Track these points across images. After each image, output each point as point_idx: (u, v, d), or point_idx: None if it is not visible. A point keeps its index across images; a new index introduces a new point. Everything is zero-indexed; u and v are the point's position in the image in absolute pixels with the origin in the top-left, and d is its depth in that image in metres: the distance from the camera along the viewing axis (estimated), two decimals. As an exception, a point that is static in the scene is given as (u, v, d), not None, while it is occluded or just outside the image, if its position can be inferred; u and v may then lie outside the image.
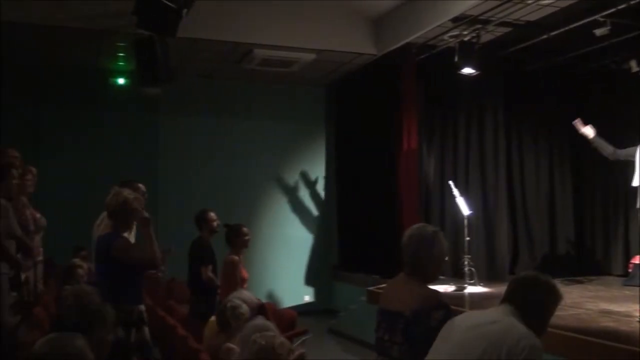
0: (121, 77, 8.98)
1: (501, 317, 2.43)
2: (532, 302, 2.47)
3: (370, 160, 9.20)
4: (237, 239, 5.92)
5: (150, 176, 8.63)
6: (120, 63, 8.67)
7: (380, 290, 6.54)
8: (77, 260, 6.42)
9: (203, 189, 9.05)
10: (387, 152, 8.83)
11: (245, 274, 5.97)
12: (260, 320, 4.06)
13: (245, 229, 5.98)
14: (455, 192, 7.79)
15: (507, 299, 2.45)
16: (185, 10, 5.72)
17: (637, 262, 7.97)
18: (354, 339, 7.64)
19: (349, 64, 8.89)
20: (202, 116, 9.41)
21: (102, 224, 4.87)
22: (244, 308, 4.66)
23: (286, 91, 9.88)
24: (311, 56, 8.37)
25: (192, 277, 6.07)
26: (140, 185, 5.14)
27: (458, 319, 2.54)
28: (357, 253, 9.43)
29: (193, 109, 9.35)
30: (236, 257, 5.86)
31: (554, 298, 2.51)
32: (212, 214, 6.19)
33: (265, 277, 9.34)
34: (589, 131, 6.23)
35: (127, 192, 4.03)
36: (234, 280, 5.75)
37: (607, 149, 6.20)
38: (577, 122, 6.31)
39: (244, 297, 4.53)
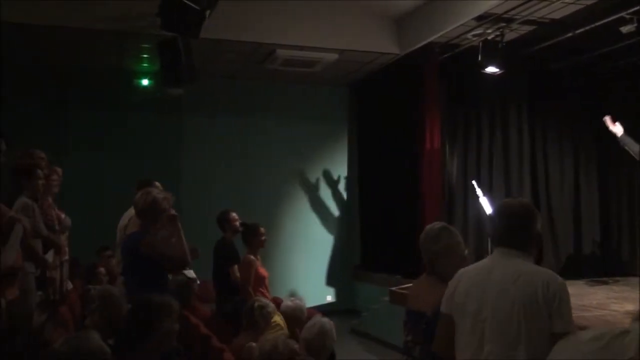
0: (145, 78, 9.05)
1: (511, 265, 2.42)
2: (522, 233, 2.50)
3: (393, 160, 9.17)
4: (254, 238, 5.97)
5: (173, 176, 8.71)
6: (144, 64, 8.74)
7: (403, 291, 6.55)
8: (101, 260, 6.52)
9: (225, 189, 9.08)
10: (409, 152, 8.79)
11: (264, 272, 6.00)
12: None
13: (262, 229, 6.01)
14: (479, 191, 7.74)
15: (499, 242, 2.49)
16: (208, 12, 5.76)
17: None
18: (376, 339, 7.63)
19: (371, 63, 8.87)
20: (224, 117, 9.45)
21: (129, 224, 4.92)
22: (272, 307, 4.71)
23: (308, 91, 9.88)
24: (334, 56, 8.36)
25: (217, 277, 6.11)
26: (157, 184, 5.20)
27: (463, 292, 2.52)
28: (379, 253, 9.41)
29: (216, 109, 9.40)
30: (253, 257, 5.90)
31: (534, 216, 2.56)
32: (234, 214, 6.23)
33: (287, 276, 9.36)
34: (618, 129, 6.18)
35: (156, 192, 4.08)
36: (251, 280, 5.80)
37: (635, 147, 6.14)
38: (607, 119, 6.24)
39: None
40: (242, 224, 6.06)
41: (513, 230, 2.50)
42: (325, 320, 4.11)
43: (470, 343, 2.41)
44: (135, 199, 4.06)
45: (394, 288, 7.76)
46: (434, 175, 8.47)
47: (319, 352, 3.94)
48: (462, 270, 2.59)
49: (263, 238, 6.01)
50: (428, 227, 3.19)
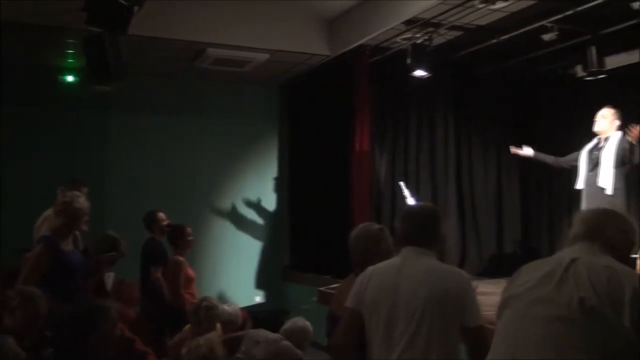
0: (70, 74, 8.78)
1: (420, 263, 2.51)
2: (428, 233, 2.64)
3: (323, 160, 9.23)
4: (181, 239, 5.90)
5: (100, 176, 8.51)
6: (70, 60, 8.49)
7: (330, 291, 6.59)
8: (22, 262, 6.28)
9: (154, 189, 8.92)
10: (339, 153, 8.87)
11: (192, 273, 5.94)
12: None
13: (188, 229, 5.95)
14: (406, 193, 7.87)
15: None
16: (136, 8, 5.63)
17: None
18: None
19: (302, 64, 8.90)
20: (154, 115, 9.28)
21: (43, 224, 4.80)
22: (219, 310, 4.68)
23: (240, 91, 9.82)
24: (265, 56, 8.34)
25: (143, 279, 6.01)
26: (84, 187, 5.09)
27: (374, 290, 2.58)
28: (309, 253, 9.45)
29: (145, 108, 9.21)
30: (180, 258, 5.83)
31: (438, 218, 2.74)
32: (162, 215, 6.14)
33: (215, 277, 9.28)
34: (528, 152, 6.41)
35: (74, 194, 4.01)
36: (179, 281, 5.73)
37: (548, 159, 6.40)
38: (513, 149, 6.48)
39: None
40: (168, 225, 5.98)
41: (420, 230, 2.62)
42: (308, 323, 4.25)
43: (382, 340, 2.46)
44: (55, 201, 3.99)
45: (322, 288, 7.81)
46: (363, 176, 8.58)
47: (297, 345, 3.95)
48: (371, 268, 2.66)
49: (190, 238, 5.94)
50: (365, 228, 3.20)
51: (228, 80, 9.44)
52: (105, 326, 2.82)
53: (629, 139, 5.65)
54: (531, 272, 2.13)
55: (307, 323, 4.46)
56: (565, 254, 2.13)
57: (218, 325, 4.89)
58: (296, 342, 4.01)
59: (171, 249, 5.98)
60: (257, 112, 10.03)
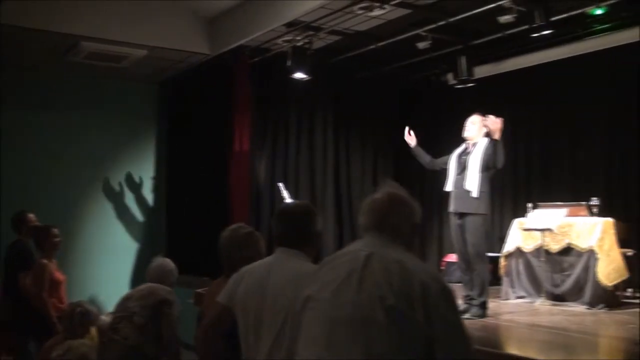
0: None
1: (289, 265, 2.50)
2: (300, 233, 2.60)
3: (203, 161, 9.11)
4: (46, 241, 5.64)
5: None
6: None
7: (204, 292, 6.52)
8: None
9: (22, 188, 8.41)
10: (219, 154, 8.79)
11: (60, 277, 5.69)
12: None
13: (55, 230, 5.69)
14: (285, 193, 7.93)
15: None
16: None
17: (449, 260, 8.61)
18: (182, 343, 7.50)
19: (182, 62, 8.74)
20: (25, 111, 8.74)
21: None
22: (93, 316, 4.54)
23: (116, 88, 9.47)
24: (142, 52, 8.11)
25: (7, 282, 5.70)
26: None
27: (245, 290, 2.56)
28: (187, 254, 9.27)
29: (16, 102, 8.65)
30: (46, 261, 5.57)
31: (312, 216, 2.71)
32: (32, 216, 5.87)
33: (88, 281, 8.90)
34: (411, 140, 6.60)
35: None
36: (44, 285, 5.48)
37: (425, 158, 6.62)
38: (407, 130, 6.66)
39: None
40: (33, 227, 5.69)
41: (292, 230, 2.63)
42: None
43: (252, 340, 2.48)
44: None
45: (199, 290, 7.71)
46: (242, 177, 8.56)
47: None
48: (245, 267, 2.66)
49: (57, 240, 5.67)
50: (233, 230, 3.20)
51: (105, 76, 9.08)
52: None
53: (488, 130, 5.94)
54: (330, 272, 2.06)
55: (168, 260, 4.48)
56: (359, 247, 2.10)
57: (93, 330, 4.73)
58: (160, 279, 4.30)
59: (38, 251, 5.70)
60: (135, 109, 9.73)
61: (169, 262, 4.39)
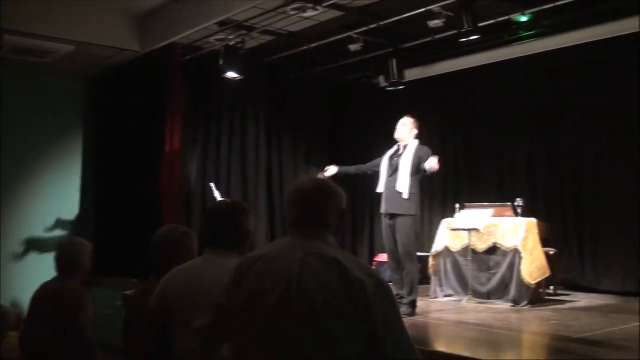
0: None
1: (219, 266, 2.43)
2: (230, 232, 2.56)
3: (133, 160, 8.92)
4: None
5: None
6: None
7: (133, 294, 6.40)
8: None
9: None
10: (149, 153, 8.63)
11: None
12: None
13: None
14: (217, 194, 7.86)
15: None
16: None
17: (380, 260, 8.73)
18: (110, 348, 7.33)
19: (111, 59, 8.52)
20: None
21: None
22: (10, 316, 4.41)
23: (43, 84, 9.16)
24: (69, 48, 7.88)
25: None
26: None
27: (175, 290, 2.52)
28: (115, 256, 9.07)
29: None
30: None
31: (242, 215, 2.67)
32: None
33: (12, 283, 8.59)
34: (331, 171, 6.60)
35: None
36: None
37: (350, 170, 6.73)
38: (321, 172, 6.66)
39: None
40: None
41: (221, 230, 2.59)
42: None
43: (184, 340, 2.46)
44: None
45: (128, 292, 7.55)
46: (173, 177, 8.43)
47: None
48: (177, 268, 2.63)
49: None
50: (165, 230, 3.15)
51: (31, 71, 8.76)
52: None
53: (427, 167, 5.97)
54: (265, 279, 1.97)
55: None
56: (292, 248, 2.01)
57: (14, 334, 4.58)
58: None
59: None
60: (62, 106, 9.43)
61: (81, 242, 4.16)
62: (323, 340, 1.83)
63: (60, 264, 3.90)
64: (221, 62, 7.86)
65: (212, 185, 8.00)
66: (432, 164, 5.88)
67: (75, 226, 9.54)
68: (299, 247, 1.99)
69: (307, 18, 7.36)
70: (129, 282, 8.02)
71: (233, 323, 2.01)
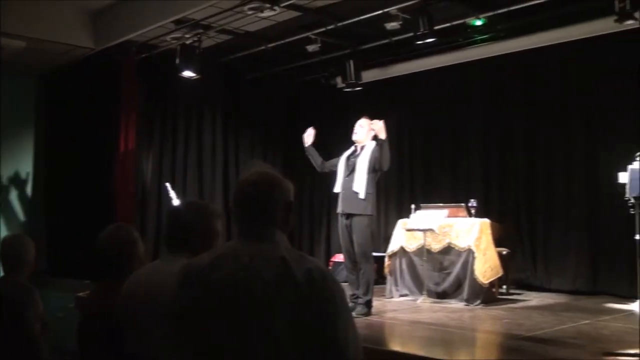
0: None
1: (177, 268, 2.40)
2: (191, 234, 2.47)
3: (86, 159, 8.75)
4: None
5: None
6: None
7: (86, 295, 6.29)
8: None
9: None
10: (103, 152, 8.49)
11: None
12: None
13: None
14: (172, 194, 7.77)
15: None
16: None
17: (336, 260, 8.76)
18: (62, 351, 7.19)
19: (65, 55, 8.35)
20: None
21: None
22: None
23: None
24: (20, 44, 7.69)
25: None
26: None
27: (132, 294, 2.46)
28: (68, 257, 8.90)
29: None
30: None
31: (205, 216, 2.56)
32: None
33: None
34: (308, 139, 6.63)
35: None
36: None
37: (317, 159, 6.69)
38: (310, 129, 6.68)
39: None
40: None
41: (180, 231, 2.51)
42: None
43: (139, 345, 2.42)
44: None
45: (80, 294, 7.41)
46: (127, 176, 8.31)
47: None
48: (137, 271, 2.59)
49: None
50: (115, 230, 3.12)
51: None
52: None
53: (375, 131, 6.11)
54: (207, 290, 1.88)
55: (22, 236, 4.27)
56: (238, 250, 1.92)
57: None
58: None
59: None
60: (12, 103, 9.18)
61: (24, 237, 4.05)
62: (271, 347, 1.78)
63: (4, 260, 3.79)
64: (177, 61, 7.78)
65: (168, 185, 7.91)
66: (378, 126, 6.01)
67: (26, 226, 9.32)
68: (245, 251, 1.91)
69: (264, 18, 7.34)
70: (82, 284, 7.87)
71: (185, 332, 1.97)
